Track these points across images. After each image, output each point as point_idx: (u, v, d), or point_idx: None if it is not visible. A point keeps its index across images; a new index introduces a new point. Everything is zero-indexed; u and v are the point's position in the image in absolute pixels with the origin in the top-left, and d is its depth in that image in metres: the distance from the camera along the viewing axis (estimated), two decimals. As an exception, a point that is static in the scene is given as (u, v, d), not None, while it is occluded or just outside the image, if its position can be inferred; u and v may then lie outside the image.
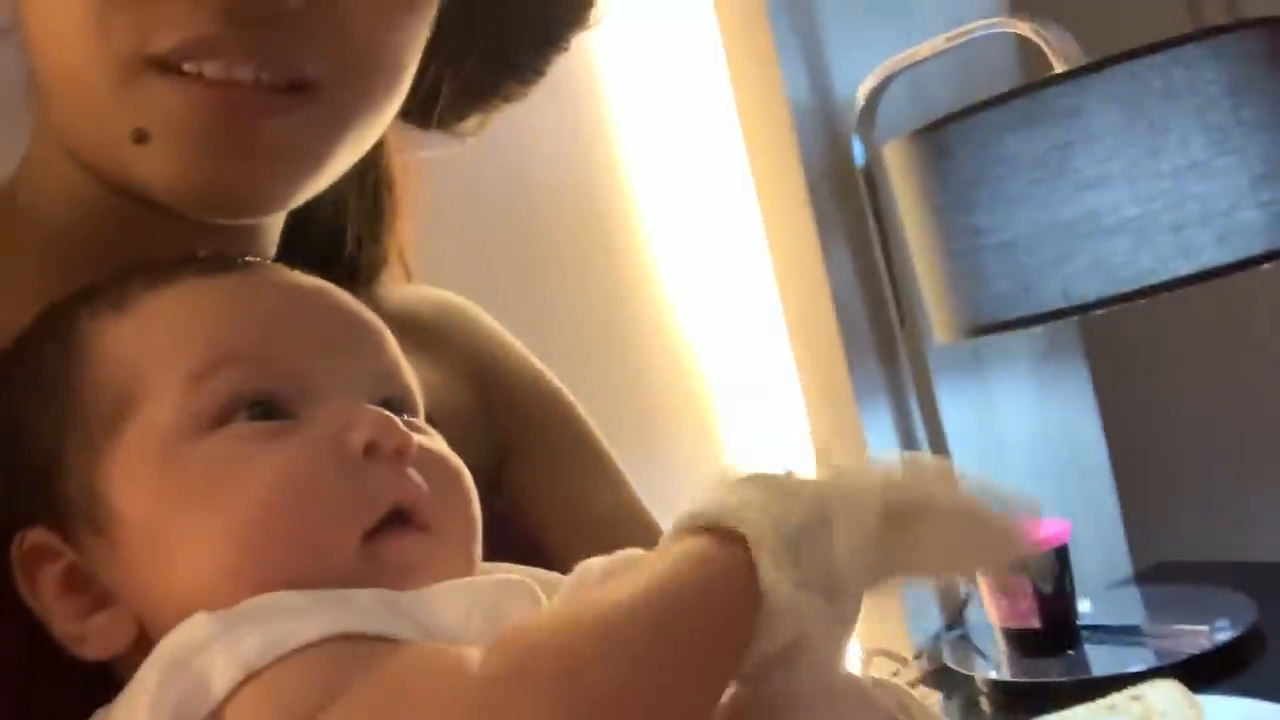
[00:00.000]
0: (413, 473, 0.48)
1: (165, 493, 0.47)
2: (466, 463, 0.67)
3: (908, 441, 1.57)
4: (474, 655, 0.39)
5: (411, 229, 0.79)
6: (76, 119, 0.55)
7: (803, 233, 1.53)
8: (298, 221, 0.66)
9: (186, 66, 0.51)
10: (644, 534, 0.71)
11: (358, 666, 0.39)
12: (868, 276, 1.55)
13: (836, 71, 1.54)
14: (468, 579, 0.48)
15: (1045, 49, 1.30)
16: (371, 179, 0.73)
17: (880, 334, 1.57)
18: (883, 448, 1.55)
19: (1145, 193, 1.17)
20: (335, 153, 0.56)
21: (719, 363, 1.56)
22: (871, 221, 1.52)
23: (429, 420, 0.57)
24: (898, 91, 1.50)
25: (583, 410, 0.77)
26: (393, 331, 0.55)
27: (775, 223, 1.56)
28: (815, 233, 1.52)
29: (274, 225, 0.63)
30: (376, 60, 0.56)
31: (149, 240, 0.56)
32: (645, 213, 1.52)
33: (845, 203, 1.54)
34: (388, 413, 0.49)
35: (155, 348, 0.49)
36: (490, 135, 1.33)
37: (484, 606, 0.45)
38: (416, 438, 0.50)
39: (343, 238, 0.71)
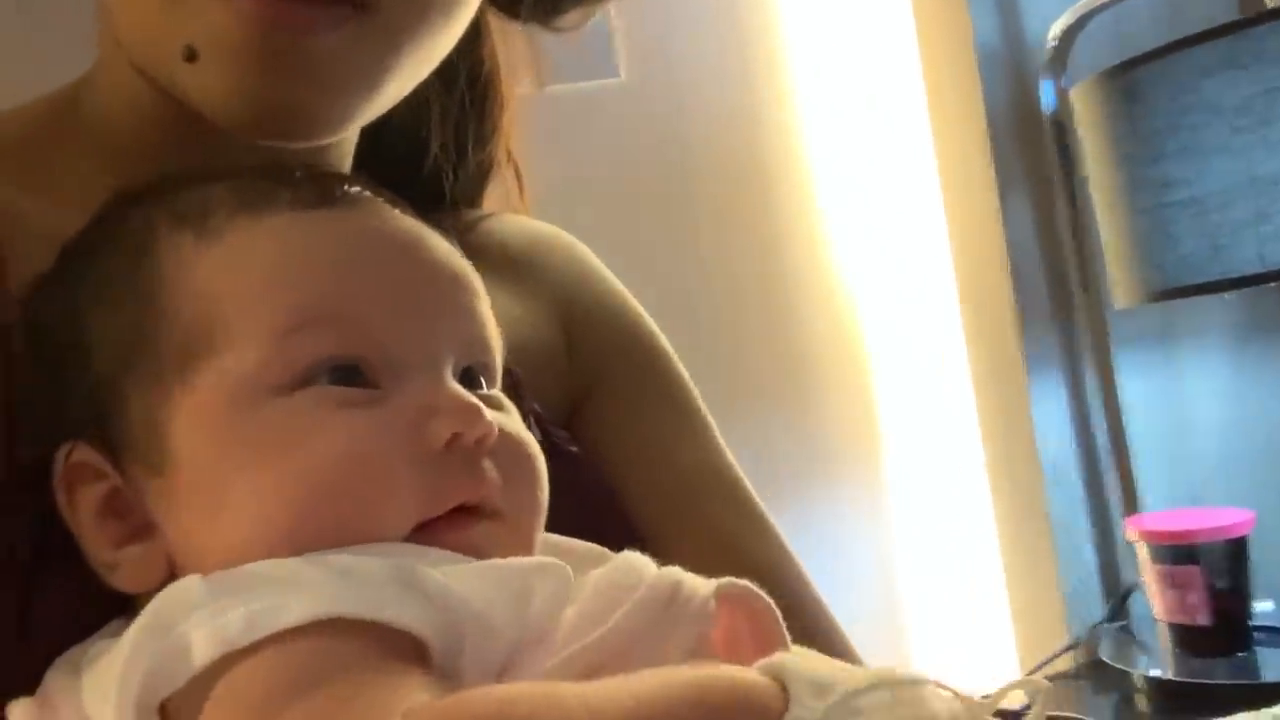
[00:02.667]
0: (488, 465, 0.47)
1: (231, 445, 0.45)
2: (543, 401, 0.63)
3: (1080, 417, 1.47)
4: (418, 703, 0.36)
5: (515, 137, 0.74)
6: (132, 32, 0.54)
7: (981, 183, 1.44)
8: (375, 134, 0.63)
9: None
10: (722, 496, 0.67)
11: (328, 669, 0.38)
12: (1048, 233, 1.45)
13: (1028, 9, 1.44)
14: (502, 559, 0.44)
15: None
16: (462, 80, 0.69)
17: (1058, 296, 1.46)
18: (1051, 423, 1.45)
19: (1363, 147, 1.04)
20: (391, 72, 0.54)
21: (879, 320, 1.49)
22: (1057, 173, 1.41)
23: (510, 354, 0.56)
24: (1096, 32, 1.38)
25: (676, 361, 0.72)
26: (478, 262, 0.54)
27: (952, 171, 1.47)
28: (994, 183, 1.43)
29: (344, 142, 0.61)
30: None
31: (211, 153, 0.54)
32: (812, 158, 1.47)
33: (1029, 152, 1.44)
34: (474, 400, 0.47)
35: (243, 291, 0.47)
36: (645, 68, 1.37)
37: (513, 589, 0.42)
38: (495, 417, 0.47)
39: (424, 151, 0.69)
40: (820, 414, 1.47)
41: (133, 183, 0.52)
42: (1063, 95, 1.38)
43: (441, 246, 0.51)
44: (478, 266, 0.53)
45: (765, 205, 1.45)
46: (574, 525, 0.56)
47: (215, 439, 0.45)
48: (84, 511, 0.47)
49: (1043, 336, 1.45)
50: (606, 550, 0.50)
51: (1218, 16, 1.49)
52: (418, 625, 0.39)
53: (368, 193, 0.52)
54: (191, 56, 0.51)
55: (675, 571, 0.46)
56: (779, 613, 0.48)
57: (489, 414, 0.47)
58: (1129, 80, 1.17)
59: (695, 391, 0.71)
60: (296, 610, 0.39)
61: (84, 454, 0.47)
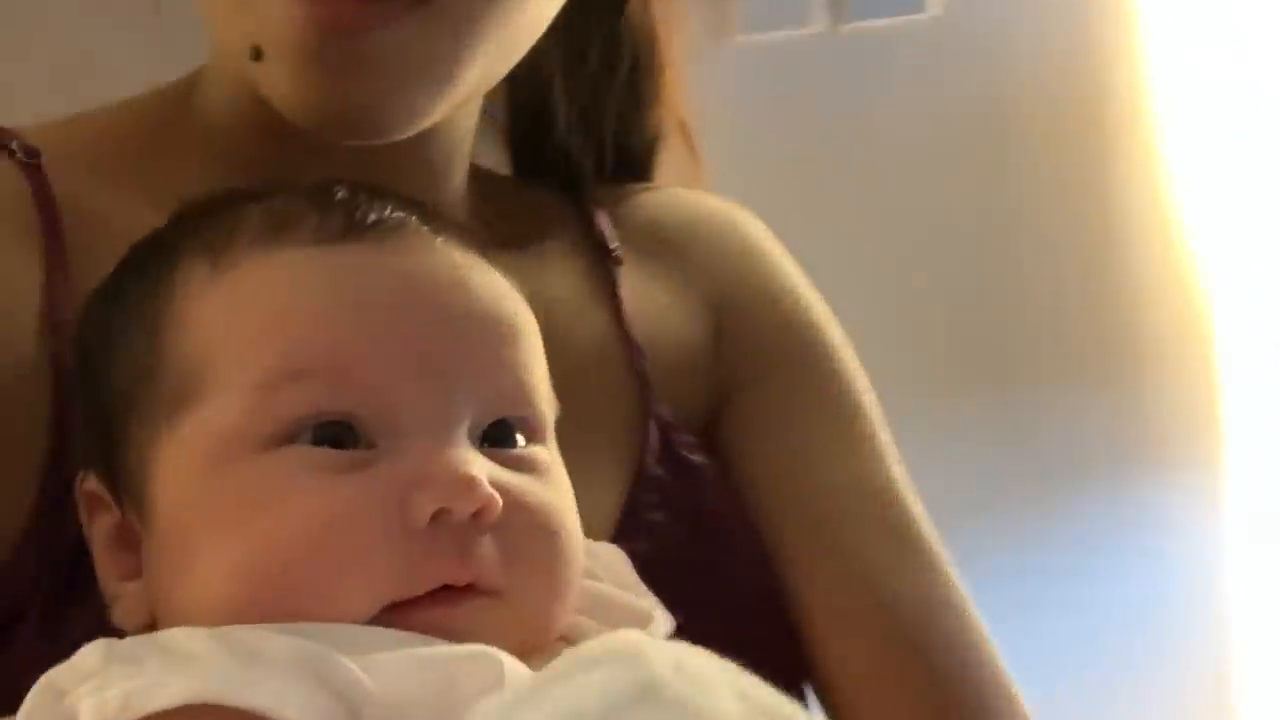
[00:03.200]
0: (486, 542, 0.43)
1: (201, 504, 0.44)
2: (680, 403, 0.60)
3: None
4: None
5: (682, 101, 0.69)
6: (212, 32, 0.55)
7: None
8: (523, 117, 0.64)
9: None
10: (873, 520, 0.60)
11: None
12: None
13: None
14: (431, 648, 0.40)
15: None
16: (596, 50, 0.65)
17: None
18: None
19: None
20: (460, 61, 0.52)
21: (1227, 290, 1.34)
22: None
23: (649, 348, 0.58)
24: None
25: (849, 360, 0.65)
26: (628, 244, 0.55)
27: None
28: None
29: (451, 132, 0.58)
30: None
31: (303, 155, 0.53)
32: (1159, 107, 1.32)
33: None
34: (472, 472, 0.42)
35: (237, 333, 0.45)
36: (958, 30, 1.26)
37: (433, 682, 0.39)
38: (516, 483, 0.44)
39: (550, 127, 0.66)
40: (1152, 397, 1.35)
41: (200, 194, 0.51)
42: None
43: (483, 290, 0.47)
44: (627, 248, 0.54)
45: (1099, 159, 1.32)
46: (683, 549, 0.55)
47: (188, 495, 0.44)
48: (97, 540, 0.47)
49: None
50: (653, 610, 0.47)
51: None
52: (297, 716, 0.37)
53: (414, 221, 0.48)
54: (258, 56, 0.51)
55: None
56: None
57: (492, 484, 0.42)
58: None
59: (868, 397, 0.64)
60: (172, 691, 0.37)
61: (92, 484, 0.47)
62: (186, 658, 0.39)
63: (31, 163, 0.55)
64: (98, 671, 0.39)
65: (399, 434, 0.43)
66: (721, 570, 0.57)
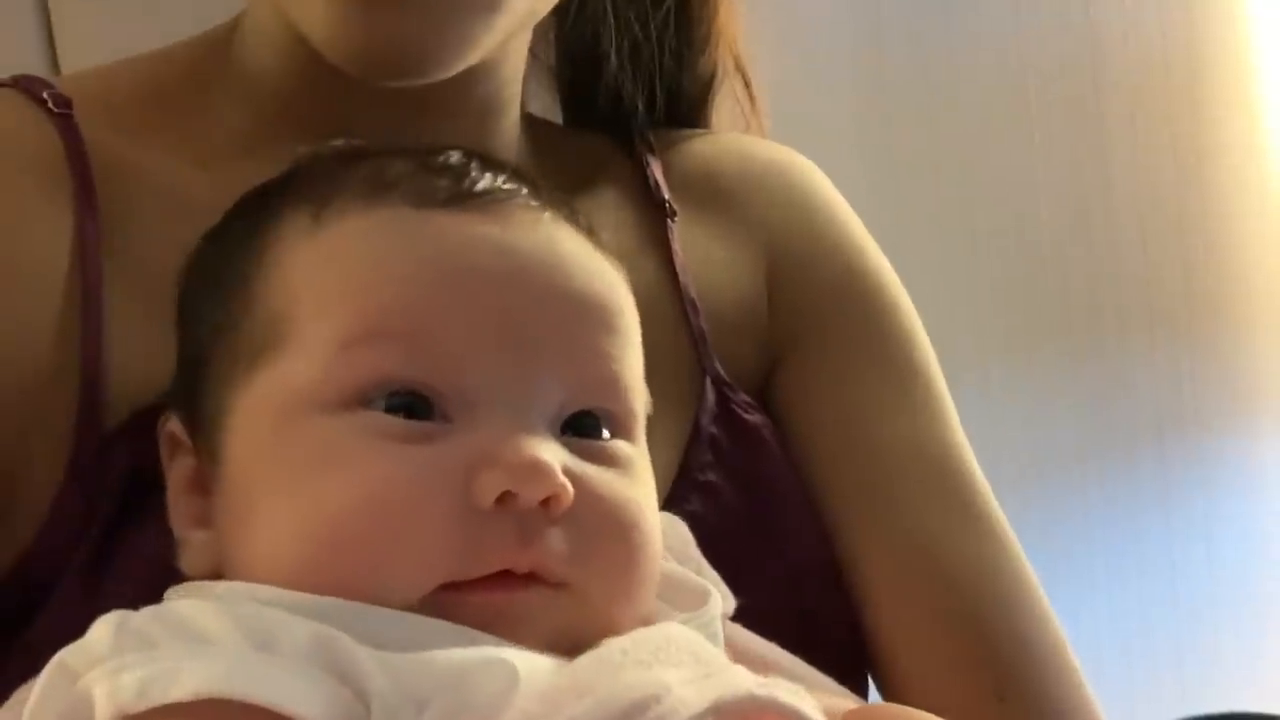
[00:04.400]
0: (554, 532, 0.41)
1: (268, 460, 0.43)
2: (735, 360, 0.59)
3: None
4: None
5: (738, 41, 0.65)
6: None
7: None
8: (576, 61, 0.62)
9: None
10: (930, 483, 0.58)
11: None
12: None
13: None
14: (447, 651, 0.38)
15: None
16: None
17: None
18: None
19: None
20: None
21: None
22: None
23: (703, 303, 0.57)
24: None
25: (910, 315, 0.62)
26: (681, 194, 0.54)
27: None
28: None
29: (499, 74, 0.56)
30: None
31: (347, 99, 0.53)
32: (1259, 48, 1.27)
33: None
34: (544, 458, 0.40)
35: (324, 289, 0.43)
36: None
37: (443, 682, 0.37)
38: (594, 475, 0.42)
39: (600, 67, 0.63)
40: (1247, 352, 1.31)
41: (279, 141, 0.51)
42: None
43: (584, 272, 0.45)
44: (680, 199, 0.52)
45: (1193, 103, 1.27)
46: (739, 511, 0.53)
47: (258, 449, 0.43)
48: (174, 481, 0.46)
49: None
50: (712, 588, 0.46)
51: None
52: (314, 716, 0.36)
53: (524, 194, 0.45)
54: None
55: (661, 681, 0.37)
56: None
57: (566, 473, 0.40)
58: None
59: (929, 358, 0.61)
60: (188, 684, 0.36)
61: (174, 427, 0.47)
62: (201, 641, 0.38)
63: (63, 113, 0.54)
64: (109, 656, 0.38)
65: (475, 411, 0.41)
66: (777, 535, 0.55)
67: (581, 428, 0.43)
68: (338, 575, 0.40)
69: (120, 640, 0.38)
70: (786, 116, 0.69)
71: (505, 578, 0.40)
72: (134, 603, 0.41)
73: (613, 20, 0.62)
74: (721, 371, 0.58)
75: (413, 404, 0.41)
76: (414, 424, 0.41)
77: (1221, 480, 1.29)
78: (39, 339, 0.50)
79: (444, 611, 0.40)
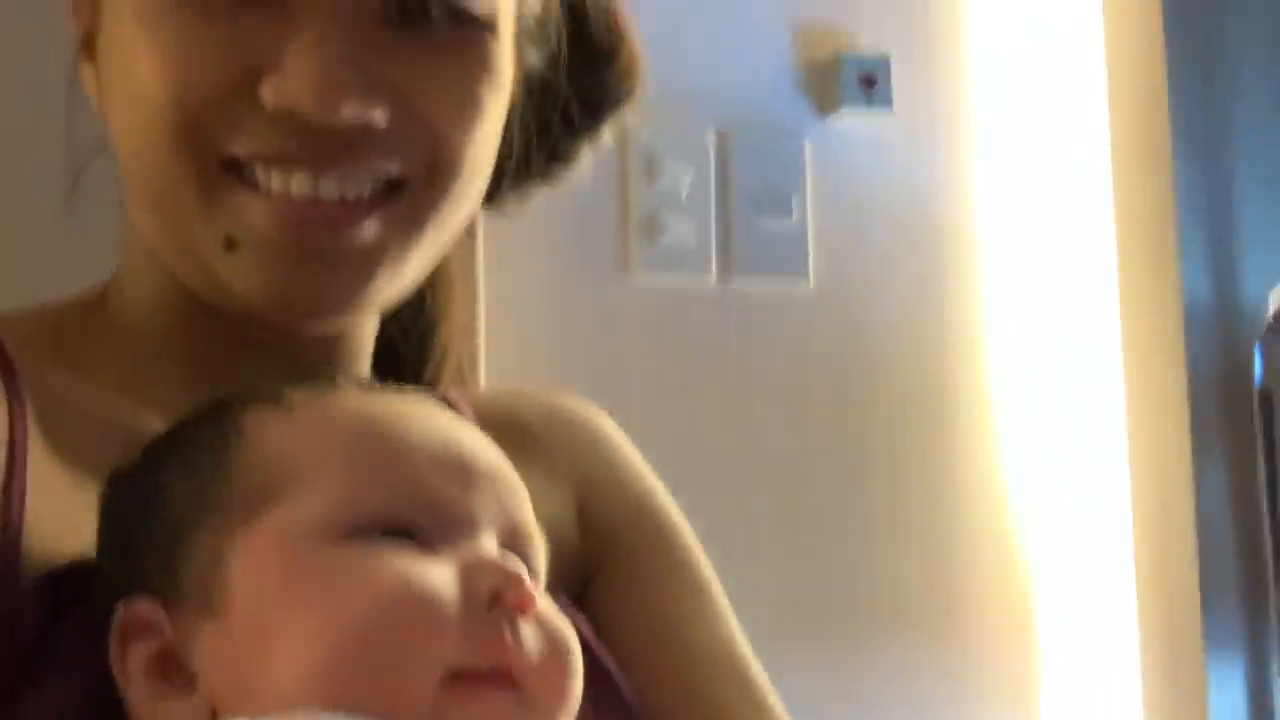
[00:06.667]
0: (526, 635, 0.49)
1: (283, 584, 0.49)
2: (552, 578, 0.64)
3: (1262, 711, 1.36)
4: None
5: (467, 320, 0.80)
6: (167, 228, 0.59)
7: (1176, 448, 1.39)
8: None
9: (275, 185, 0.55)
10: (734, 681, 0.66)
11: None
12: (1244, 510, 1.37)
13: (1246, 270, 1.40)
14: None
15: None
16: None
17: (1248, 578, 1.37)
18: (1229, 713, 1.35)
19: None
20: (417, 251, 0.59)
21: (1048, 567, 1.44)
22: (1260, 449, 1.35)
23: None
24: None
25: (691, 537, 0.72)
26: (494, 434, 0.57)
27: (1145, 431, 1.42)
28: (1189, 450, 1.37)
29: (362, 332, 0.66)
30: (460, 154, 0.58)
31: (233, 345, 0.61)
32: (995, 385, 1.45)
33: (1232, 422, 1.38)
34: (521, 567, 0.50)
35: (314, 449, 0.51)
36: (834, 274, 1.39)
37: None
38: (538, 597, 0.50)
39: (400, 334, 0.73)
40: (976, 652, 1.42)
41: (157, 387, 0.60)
42: (1274, 366, 1.34)
43: (482, 440, 0.55)
44: (499, 442, 0.56)
45: (940, 424, 1.43)
46: None
47: (271, 577, 0.48)
48: (134, 665, 0.49)
49: (1226, 618, 1.36)
50: None
51: None
52: None
53: (422, 394, 0.59)
54: (231, 245, 0.56)
55: None
56: None
57: (531, 588, 0.49)
58: None
59: (711, 572, 0.71)
60: None
61: (144, 607, 0.50)
62: None
63: None
64: None
65: (451, 538, 0.50)
66: None
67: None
68: (365, 665, 0.46)
69: None
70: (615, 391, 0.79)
71: (489, 682, 0.47)
72: None
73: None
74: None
75: (403, 533, 0.49)
76: (410, 543, 0.49)
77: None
78: None
79: (449, 711, 0.46)
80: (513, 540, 0.52)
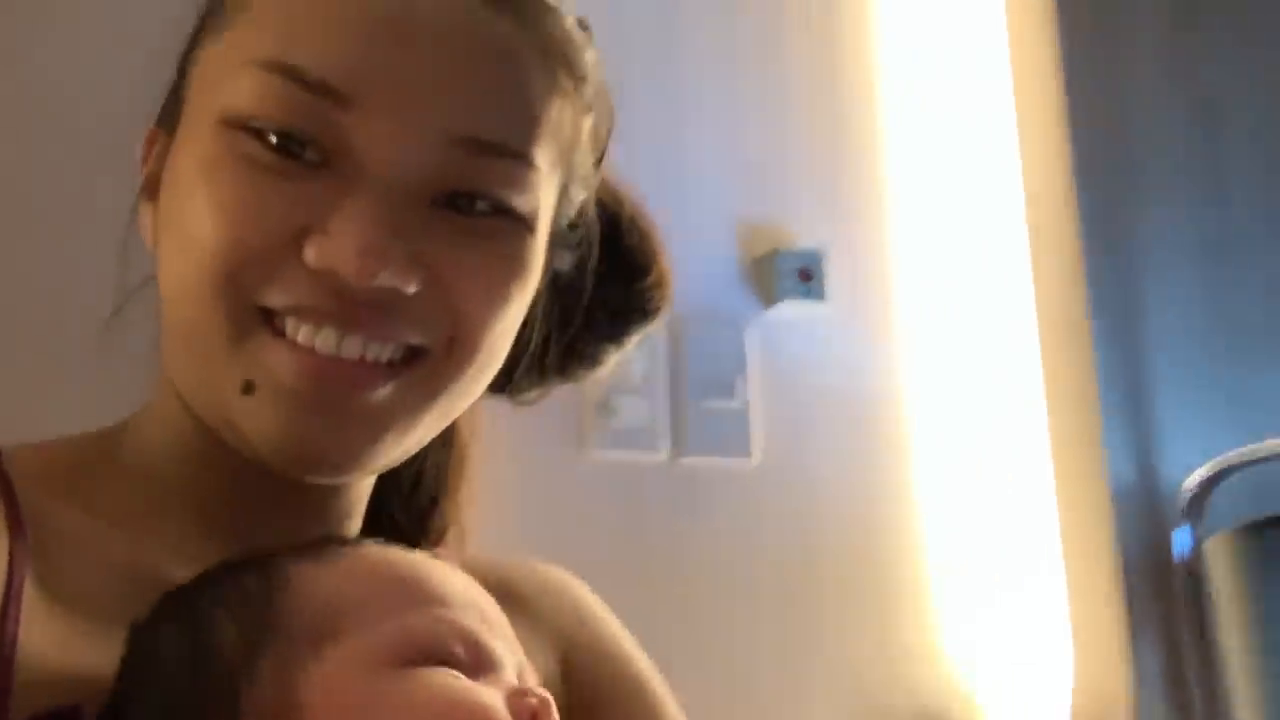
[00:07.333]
0: None
1: (361, 705, 0.52)
2: None
3: None
4: None
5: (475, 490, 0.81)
6: (193, 366, 0.61)
7: (1109, 625, 1.43)
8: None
9: (300, 337, 0.57)
10: None
11: None
12: (1176, 685, 1.40)
13: (1166, 456, 1.47)
14: None
15: None
16: (447, 438, 0.77)
17: None
18: None
19: None
20: (425, 420, 0.61)
21: None
22: (1188, 625, 1.39)
23: None
24: (1237, 481, 1.39)
25: (665, 692, 0.75)
26: (497, 600, 0.60)
27: (1081, 610, 1.46)
28: (1124, 627, 1.42)
29: (360, 490, 0.68)
30: (481, 336, 0.61)
31: (241, 494, 0.63)
32: (929, 550, 1.49)
33: (1162, 599, 1.43)
34: (549, 694, 0.55)
35: (363, 592, 0.56)
36: (776, 453, 1.43)
37: None
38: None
39: (412, 497, 0.76)
40: None
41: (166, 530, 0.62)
42: (1198, 545, 1.38)
43: (486, 592, 0.60)
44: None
45: (879, 591, 1.47)
46: None
47: (349, 701, 0.52)
48: None
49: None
50: None
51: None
52: None
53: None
54: (249, 389, 0.58)
55: None
56: None
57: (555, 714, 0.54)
58: (1267, 538, 1.16)
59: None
60: None
61: None
62: None
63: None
64: None
65: (487, 671, 0.54)
66: None
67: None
68: None
69: None
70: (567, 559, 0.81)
71: None
72: None
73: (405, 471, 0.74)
74: None
75: (447, 663, 0.53)
76: (457, 671, 0.53)
77: None
78: None
79: None
80: (523, 678, 0.56)
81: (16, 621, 0.54)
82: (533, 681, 0.57)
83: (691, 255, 1.45)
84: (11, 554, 0.56)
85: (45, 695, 0.53)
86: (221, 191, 0.58)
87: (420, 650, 0.54)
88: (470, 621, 0.56)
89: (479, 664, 0.55)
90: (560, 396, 1.32)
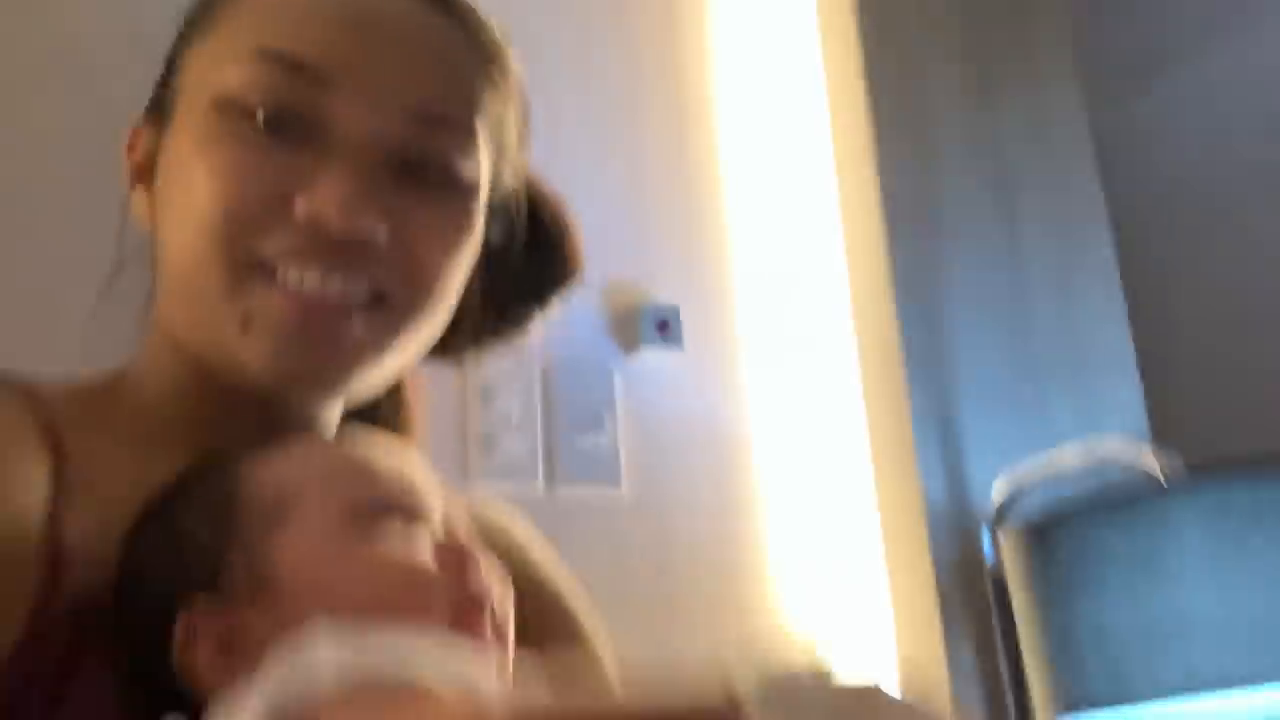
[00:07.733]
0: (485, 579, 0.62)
1: (320, 557, 0.59)
2: None
3: None
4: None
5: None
6: (196, 312, 0.68)
7: (928, 635, 1.55)
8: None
9: (290, 279, 0.65)
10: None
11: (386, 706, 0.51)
12: (991, 679, 1.54)
13: (973, 473, 1.61)
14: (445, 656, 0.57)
15: (1157, 474, 1.37)
16: (396, 390, 0.86)
17: None
18: None
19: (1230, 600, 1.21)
20: (391, 349, 0.69)
21: None
22: (996, 618, 1.53)
23: None
24: (1032, 490, 1.54)
25: (586, 618, 0.84)
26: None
27: (903, 609, 1.59)
28: (940, 636, 1.54)
29: (331, 416, 0.75)
30: (434, 280, 0.70)
31: (231, 419, 0.69)
32: (777, 580, 1.60)
33: (974, 599, 1.56)
34: (468, 546, 0.63)
35: (308, 472, 0.62)
36: (643, 483, 1.55)
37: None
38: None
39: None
40: None
41: (162, 462, 0.67)
42: (1000, 549, 1.53)
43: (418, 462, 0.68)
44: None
45: (733, 591, 1.57)
46: None
47: (308, 556, 0.59)
48: (202, 657, 0.58)
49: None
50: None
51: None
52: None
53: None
54: (247, 326, 0.65)
55: None
56: None
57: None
58: (1046, 535, 1.34)
59: (593, 631, 0.83)
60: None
61: (200, 605, 0.59)
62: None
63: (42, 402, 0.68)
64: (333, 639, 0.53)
65: (420, 519, 0.62)
66: None
67: None
68: (399, 606, 0.58)
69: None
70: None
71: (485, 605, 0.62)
72: None
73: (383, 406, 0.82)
74: None
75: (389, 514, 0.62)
76: (398, 518, 0.62)
77: None
78: (21, 538, 0.61)
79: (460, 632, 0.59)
80: (451, 535, 0.64)
81: (62, 523, 0.62)
82: (461, 537, 0.63)
83: (567, 309, 1.56)
84: (56, 471, 0.64)
85: (84, 582, 0.60)
86: (218, 162, 0.66)
87: (363, 509, 0.60)
88: (403, 483, 0.62)
89: (412, 513, 0.61)
90: (446, 431, 1.46)
